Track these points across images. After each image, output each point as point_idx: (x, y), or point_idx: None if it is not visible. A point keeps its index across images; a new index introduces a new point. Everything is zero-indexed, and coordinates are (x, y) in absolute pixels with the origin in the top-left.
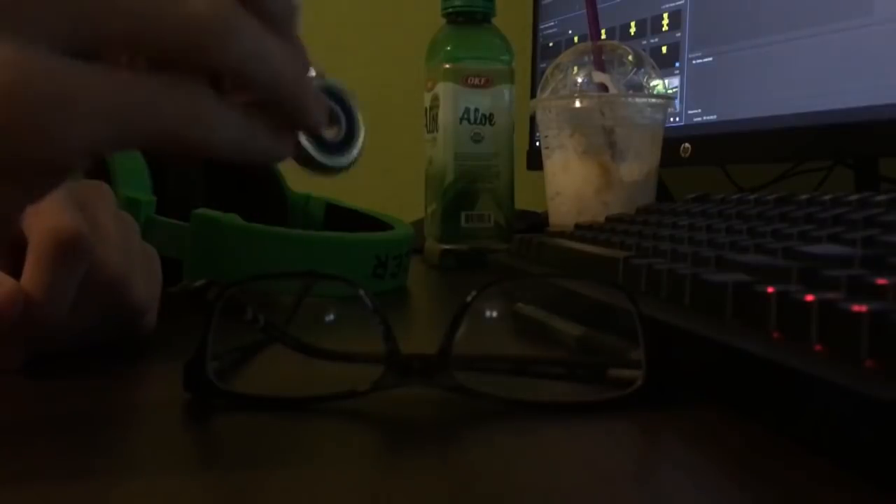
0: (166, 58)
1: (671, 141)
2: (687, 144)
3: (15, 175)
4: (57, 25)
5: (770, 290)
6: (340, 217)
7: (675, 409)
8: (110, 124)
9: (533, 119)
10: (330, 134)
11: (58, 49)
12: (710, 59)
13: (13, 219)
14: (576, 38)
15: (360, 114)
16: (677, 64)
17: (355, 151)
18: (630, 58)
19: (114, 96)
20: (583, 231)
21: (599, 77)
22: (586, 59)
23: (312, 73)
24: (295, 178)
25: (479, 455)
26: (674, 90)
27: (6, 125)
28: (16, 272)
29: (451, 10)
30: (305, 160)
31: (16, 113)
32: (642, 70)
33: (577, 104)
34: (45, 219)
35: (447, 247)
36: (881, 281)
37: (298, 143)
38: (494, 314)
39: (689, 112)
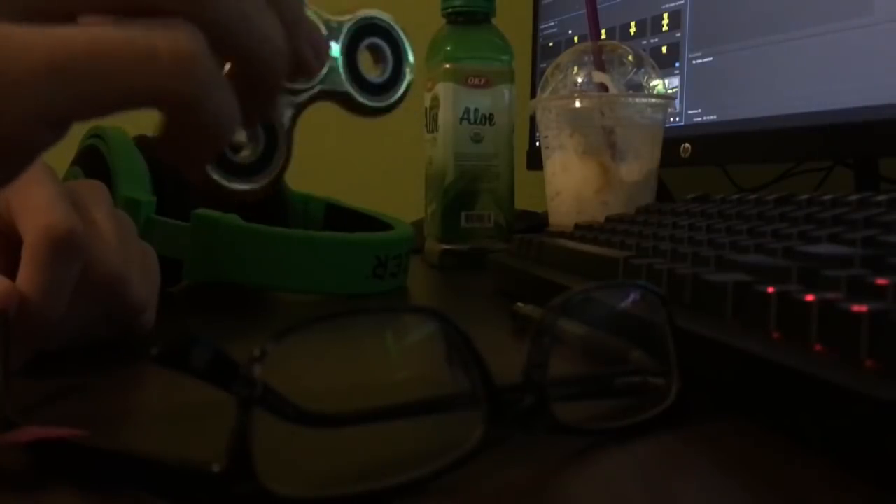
0: (154, 11)
1: (671, 141)
2: (687, 144)
3: None
4: None
5: (770, 290)
6: (340, 217)
7: (673, 409)
8: (61, 84)
9: (533, 119)
10: (376, 73)
11: (9, 12)
12: (710, 59)
13: None
14: (576, 38)
15: (409, 50)
16: (677, 64)
17: (400, 91)
18: (630, 58)
19: (57, 51)
20: (583, 231)
21: (599, 77)
22: (586, 59)
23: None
24: (295, 178)
25: None
26: (674, 90)
27: None
28: (12, 272)
29: (451, 10)
30: (352, 104)
31: None
32: (642, 70)
33: (577, 104)
34: (39, 217)
35: (447, 247)
36: (881, 281)
37: (346, 92)
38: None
39: (689, 112)
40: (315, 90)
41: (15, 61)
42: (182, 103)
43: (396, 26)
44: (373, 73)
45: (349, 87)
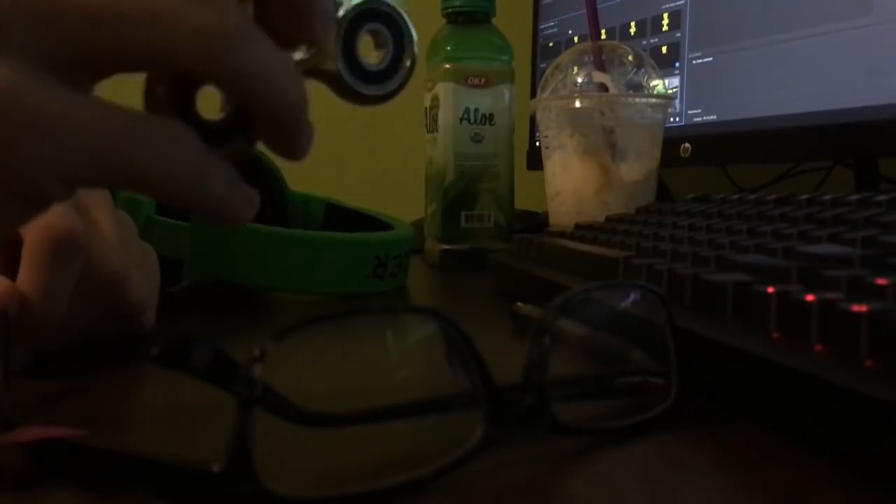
0: (176, 67)
1: (671, 141)
2: (687, 144)
3: None
4: (46, 40)
5: (770, 290)
6: (340, 217)
7: (673, 409)
8: (85, 155)
9: (533, 119)
10: (374, 59)
11: (44, 67)
12: (710, 59)
13: None
14: (576, 38)
15: (413, 37)
16: (677, 64)
17: (398, 80)
18: (630, 58)
19: (91, 125)
20: (583, 231)
21: (599, 77)
22: (586, 59)
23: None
24: (295, 178)
25: None
26: (674, 90)
27: None
28: (13, 272)
29: (451, 10)
30: (342, 89)
31: None
32: (642, 70)
33: (577, 104)
34: (39, 218)
35: (447, 247)
36: (881, 281)
37: (337, 72)
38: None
39: (689, 112)
40: (305, 65)
41: (62, 127)
42: (172, 196)
43: (403, 13)
44: (372, 58)
45: (341, 69)
